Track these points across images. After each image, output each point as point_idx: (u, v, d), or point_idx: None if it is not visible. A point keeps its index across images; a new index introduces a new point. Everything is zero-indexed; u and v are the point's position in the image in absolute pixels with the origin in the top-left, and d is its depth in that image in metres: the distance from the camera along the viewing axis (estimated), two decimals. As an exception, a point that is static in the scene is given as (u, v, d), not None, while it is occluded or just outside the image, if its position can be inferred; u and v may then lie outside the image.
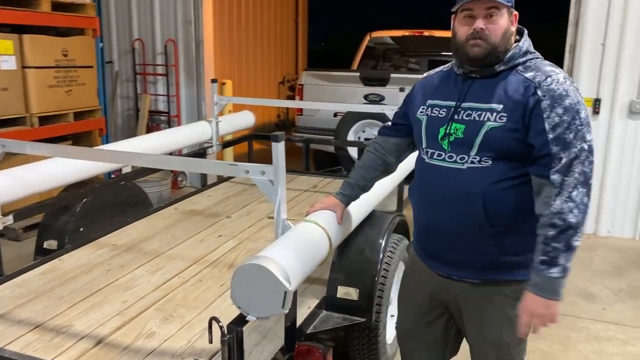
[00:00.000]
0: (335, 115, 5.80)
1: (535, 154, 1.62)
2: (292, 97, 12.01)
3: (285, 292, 1.54)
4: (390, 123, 2.06)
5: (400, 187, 3.38)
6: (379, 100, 5.62)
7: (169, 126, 6.22)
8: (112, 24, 6.34)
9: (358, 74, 5.76)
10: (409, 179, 3.47)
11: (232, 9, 9.01)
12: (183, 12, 6.02)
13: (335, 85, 5.85)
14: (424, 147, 1.81)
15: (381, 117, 5.00)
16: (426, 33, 7.23)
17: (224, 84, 6.26)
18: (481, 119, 1.67)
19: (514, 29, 1.71)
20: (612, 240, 4.90)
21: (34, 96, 4.40)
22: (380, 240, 2.51)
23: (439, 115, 1.77)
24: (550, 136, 1.59)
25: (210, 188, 4.13)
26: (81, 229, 3.01)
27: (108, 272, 2.64)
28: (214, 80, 4.06)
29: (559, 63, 4.76)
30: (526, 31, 1.76)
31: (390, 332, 2.71)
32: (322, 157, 6.13)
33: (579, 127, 1.59)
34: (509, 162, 1.66)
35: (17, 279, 2.55)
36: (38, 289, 2.45)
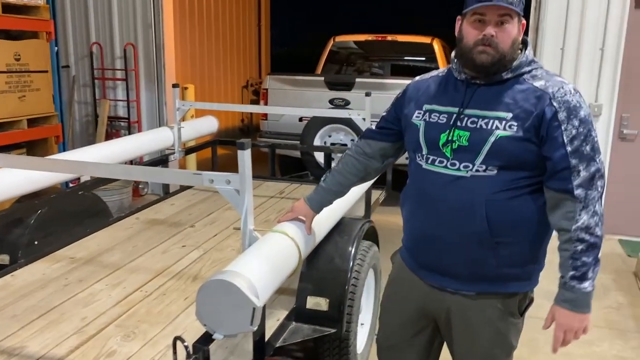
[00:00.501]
0: (300, 119, 5.75)
1: (553, 167, 1.59)
2: (255, 101, 11.91)
3: (254, 309, 1.48)
4: (374, 126, 1.97)
5: (368, 192, 3.35)
6: (344, 104, 5.60)
7: (129, 132, 6.04)
8: (68, 27, 6.12)
9: (323, 78, 5.73)
10: (379, 184, 3.46)
11: (194, 12, 8.87)
12: (143, 16, 5.86)
13: (300, 90, 5.81)
14: (423, 153, 1.73)
15: (347, 121, 4.99)
16: (389, 38, 7.27)
17: (186, 88, 6.13)
18: (489, 127, 1.62)
19: (521, 38, 1.66)
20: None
21: (-16, 102, 4.19)
22: (350, 248, 2.47)
23: (439, 121, 1.70)
24: (569, 149, 1.56)
25: (173, 196, 4.01)
26: (36, 242, 2.86)
27: (65, 288, 2.51)
28: (175, 85, 3.95)
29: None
30: (529, 40, 1.73)
31: (360, 342, 2.67)
32: (288, 162, 6.07)
33: (595, 139, 1.59)
34: (514, 171, 1.62)
35: (-33, 297, 2.40)
36: (-11, 308, 2.31)
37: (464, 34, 1.65)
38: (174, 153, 4.04)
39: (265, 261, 1.69)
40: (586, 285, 1.58)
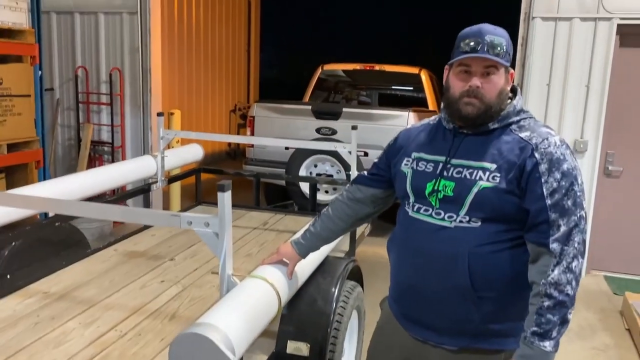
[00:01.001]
0: (287, 148, 5.70)
1: (532, 220, 1.55)
2: (243, 126, 11.90)
3: (229, 364, 1.40)
4: (366, 172, 1.95)
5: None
6: (330, 133, 5.57)
7: (113, 157, 5.96)
8: (54, 50, 6.06)
9: (310, 107, 5.71)
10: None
11: (183, 36, 8.89)
12: (130, 40, 5.83)
13: (287, 118, 5.78)
14: (410, 201, 1.71)
15: (333, 153, 4.96)
16: (377, 67, 7.31)
17: (172, 114, 6.08)
18: (472, 177, 1.60)
19: (509, 87, 1.66)
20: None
21: (-37, 126, 4.09)
22: (333, 289, 2.40)
23: (426, 170, 1.70)
24: (549, 202, 1.52)
25: (154, 226, 3.92)
26: (8, 276, 2.76)
27: (36, 326, 2.41)
28: (159, 114, 3.90)
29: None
30: (519, 89, 1.72)
31: (342, 387, 2.58)
32: (273, 190, 6.01)
33: (577, 194, 1.55)
34: (499, 224, 1.58)
35: None
36: (-48, 349, 2.19)
37: (450, 84, 1.65)
38: (156, 182, 3.96)
39: (242, 311, 1.62)
40: (547, 344, 1.50)
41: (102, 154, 6.02)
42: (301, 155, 5.30)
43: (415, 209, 1.69)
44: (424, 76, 7.10)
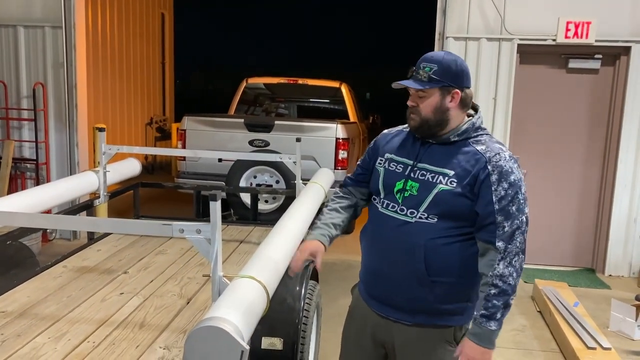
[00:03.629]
0: (220, 160, 5.82)
1: (482, 221, 1.85)
2: (160, 139, 11.73)
3: (242, 352, 1.58)
4: (350, 175, 2.23)
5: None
6: (264, 145, 5.76)
7: (37, 174, 5.76)
8: (-34, 63, 5.79)
9: (242, 120, 5.87)
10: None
11: (105, 50, 8.71)
12: (53, 55, 5.69)
13: (218, 131, 5.89)
14: (381, 197, 2.00)
15: (273, 163, 5.16)
16: (300, 81, 7.61)
17: (98, 129, 5.98)
18: (434, 180, 1.89)
19: (452, 104, 1.89)
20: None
21: None
22: (299, 288, 2.61)
23: (397, 170, 1.98)
24: (496, 207, 1.82)
25: (98, 241, 3.91)
26: (-38, 298, 2.70)
27: (3, 344, 2.40)
28: (101, 129, 3.92)
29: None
30: (480, 108, 2.02)
31: (308, 377, 2.78)
32: (206, 202, 6.08)
33: (521, 201, 1.84)
34: (451, 221, 1.88)
35: None
36: None
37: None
38: (98, 197, 3.96)
39: (240, 306, 1.80)
40: (492, 324, 1.80)
41: (24, 171, 5.80)
42: (241, 167, 5.44)
43: (384, 205, 1.98)
44: (344, 90, 7.50)
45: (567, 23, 5.15)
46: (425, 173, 1.92)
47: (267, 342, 2.43)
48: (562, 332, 3.75)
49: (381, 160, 2.04)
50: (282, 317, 2.48)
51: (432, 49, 5.38)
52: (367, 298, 2.08)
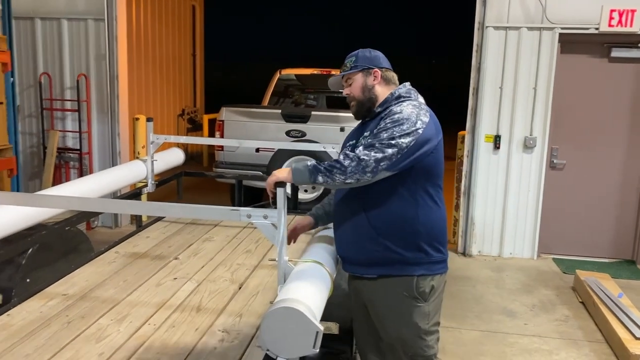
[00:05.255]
0: (257, 150, 5.89)
1: None
2: (191, 130, 11.88)
3: (317, 332, 1.63)
4: None
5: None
6: (300, 135, 5.82)
7: (81, 164, 5.91)
8: (14, 56, 5.93)
9: (280, 110, 5.93)
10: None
11: (140, 42, 8.85)
12: (96, 47, 5.82)
13: (256, 122, 5.97)
14: None
15: (313, 153, 5.21)
16: (334, 72, 7.63)
17: (137, 119, 6.11)
18: (358, 145, 2.15)
19: (375, 82, 2.25)
20: (515, 260, 5.47)
21: (-60, 135, 4.01)
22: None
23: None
24: (374, 132, 2.11)
25: (145, 229, 4.01)
26: (28, 280, 2.82)
27: (69, 324, 2.50)
28: (149, 119, 4.01)
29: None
30: (408, 83, 2.30)
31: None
32: (246, 192, 6.17)
33: (394, 131, 2.03)
34: (387, 178, 2.07)
35: (-34, 340, 2.34)
36: (-4, 349, 2.27)
37: None
38: (146, 185, 4.06)
39: (310, 289, 1.85)
40: (310, 164, 2.06)
41: (68, 160, 5.96)
42: (282, 157, 5.51)
43: None
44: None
45: (611, 11, 5.06)
46: (357, 145, 2.17)
47: (323, 327, 2.47)
48: (608, 322, 3.73)
49: (346, 148, 2.32)
50: (338, 301, 2.52)
51: (471, 40, 5.35)
52: (342, 265, 2.34)
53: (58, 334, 2.41)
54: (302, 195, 5.38)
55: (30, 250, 2.88)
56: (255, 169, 5.79)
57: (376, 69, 2.25)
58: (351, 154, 2.01)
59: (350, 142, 2.31)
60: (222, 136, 5.99)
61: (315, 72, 7.67)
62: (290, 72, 7.95)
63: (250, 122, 5.95)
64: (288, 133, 5.84)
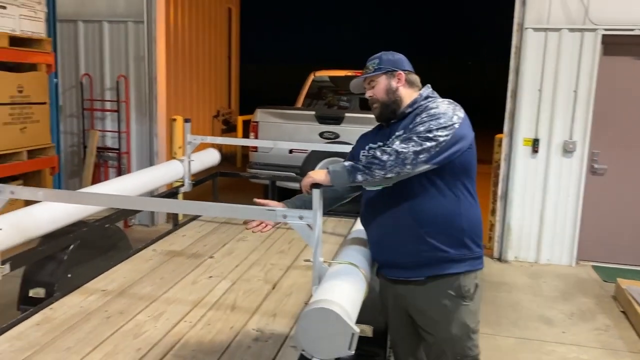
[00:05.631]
0: (290, 152, 5.92)
1: None
2: (226, 131, 12.03)
3: (353, 334, 1.63)
4: None
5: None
6: (334, 137, 5.82)
7: (119, 163, 6.05)
8: (57, 58, 6.12)
9: (314, 112, 5.94)
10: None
11: (177, 45, 9.01)
12: (135, 49, 5.95)
13: (290, 123, 6.00)
14: None
15: (346, 156, 5.20)
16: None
17: (174, 120, 6.21)
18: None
19: (399, 85, 2.24)
20: (552, 267, 5.34)
21: (-12, 134, 4.17)
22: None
23: None
24: (410, 127, 2.10)
25: (181, 227, 4.08)
26: (69, 275, 2.90)
27: (109, 320, 2.56)
28: (187, 120, 4.07)
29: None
30: (429, 85, 2.31)
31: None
32: (278, 193, 6.21)
33: (432, 124, 2.03)
34: (428, 175, 2.07)
35: (11, 331, 2.41)
36: (39, 341, 2.33)
37: None
38: (183, 185, 4.13)
39: (346, 291, 1.85)
40: (348, 165, 2.05)
41: (107, 159, 6.11)
42: (316, 158, 5.52)
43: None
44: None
45: (658, 12, 4.90)
46: (389, 144, 2.13)
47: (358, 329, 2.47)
48: (651, 333, 3.61)
49: (363, 152, 2.31)
50: (372, 304, 2.51)
51: (509, 41, 5.26)
52: (380, 270, 2.31)
53: (98, 328, 2.47)
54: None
55: (72, 246, 2.95)
56: (288, 170, 5.82)
57: (400, 72, 2.25)
58: (388, 149, 2.01)
59: (374, 145, 2.27)
60: (256, 137, 6.05)
61: (349, 73, 7.67)
62: (324, 73, 7.97)
63: (284, 123, 5.99)
64: (321, 135, 5.85)
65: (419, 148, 1.98)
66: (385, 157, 1.98)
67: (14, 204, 2.71)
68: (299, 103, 7.60)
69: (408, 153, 1.97)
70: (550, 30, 5.16)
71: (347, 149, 4.52)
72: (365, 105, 9.01)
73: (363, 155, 2.30)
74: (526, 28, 5.16)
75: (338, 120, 5.83)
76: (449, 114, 2.06)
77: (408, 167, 1.97)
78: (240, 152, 11.09)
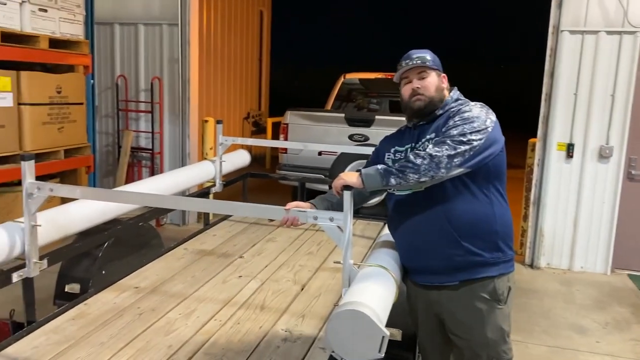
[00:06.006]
0: (320, 154, 5.94)
1: None
2: (256, 133, 12.13)
3: (383, 337, 1.62)
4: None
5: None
6: (363, 140, 5.81)
7: (152, 163, 6.16)
8: (94, 59, 6.27)
9: (343, 114, 5.94)
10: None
11: (210, 47, 9.14)
12: (169, 51, 6.06)
13: (320, 125, 6.01)
14: None
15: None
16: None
17: (206, 121, 6.29)
18: (424, 148, 2.09)
19: (444, 85, 2.23)
20: (586, 275, 5.22)
21: (28, 133, 4.29)
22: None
23: (400, 157, 2.23)
24: (442, 130, 2.08)
25: (212, 227, 4.13)
26: (103, 272, 2.97)
27: (141, 316, 2.61)
28: (219, 122, 4.12)
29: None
30: (456, 87, 2.29)
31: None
32: (307, 194, 6.23)
33: (465, 128, 2.01)
34: (461, 179, 2.06)
35: (48, 325, 2.48)
36: (74, 335, 2.39)
37: (402, 94, 2.26)
38: (214, 185, 4.18)
39: (376, 293, 1.84)
40: (381, 169, 2.04)
41: (141, 159, 6.23)
42: (345, 160, 5.53)
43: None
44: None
45: (702, 14, 4.75)
46: (419, 147, 2.15)
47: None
48: (689, 346, 3.49)
49: (388, 154, 2.29)
50: (402, 308, 2.50)
51: (544, 44, 5.16)
52: (411, 275, 2.26)
53: (130, 324, 2.52)
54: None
55: (107, 243, 3.02)
56: (317, 172, 5.83)
57: (444, 74, 2.26)
58: (422, 152, 1.99)
59: (401, 147, 2.25)
60: (285, 139, 6.08)
61: (379, 76, 7.64)
62: (355, 76, 7.95)
63: (314, 125, 6.00)
64: (351, 137, 5.85)
65: (453, 152, 1.96)
66: (419, 161, 1.97)
67: (50, 202, 2.80)
68: (329, 105, 7.61)
69: (442, 157, 1.96)
70: (587, 33, 5.05)
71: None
72: (395, 108, 9.01)
73: (389, 158, 2.29)
74: (562, 31, 5.06)
75: (368, 123, 5.82)
76: (482, 117, 2.06)
77: (442, 170, 1.96)
78: (269, 154, 11.17)
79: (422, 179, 1.97)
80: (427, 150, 1.99)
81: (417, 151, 2.03)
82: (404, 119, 2.37)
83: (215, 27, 9.54)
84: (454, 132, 2.01)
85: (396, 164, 2.03)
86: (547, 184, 5.29)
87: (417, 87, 2.18)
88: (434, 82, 2.19)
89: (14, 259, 2.47)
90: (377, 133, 5.69)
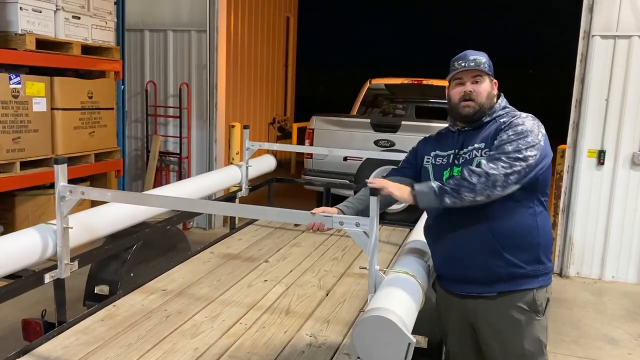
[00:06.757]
0: (345, 159, 5.93)
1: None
2: (281, 138, 12.20)
3: (409, 344, 1.61)
4: (396, 168, 2.46)
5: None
6: (389, 145, 5.79)
7: (180, 167, 6.25)
8: (125, 65, 6.39)
9: (369, 120, 5.94)
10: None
11: (237, 53, 9.24)
12: (197, 57, 6.14)
13: (345, 131, 6.01)
14: None
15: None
16: (425, 82, 7.53)
17: (232, 126, 6.36)
18: (470, 157, 2.08)
19: (495, 92, 2.17)
20: (617, 285, 5.09)
21: (60, 137, 4.40)
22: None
23: (442, 162, 2.18)
24: (496, 143, 2.02)
25: (238, 231, 4.16)
26: (131, 274, 3.01)
27: (168, 319, 2.64)
28: (246, 127, 4.16)
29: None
30: (502, 94, 2.22)
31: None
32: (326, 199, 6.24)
33: (520, 144, 1.96)
34: None
35: (78, 325, 2.54)
36: (103, 336, 2.44)
37: (450, 95, 2.17)
38: (240, 190, 4.22)
39: (402, 300, 1.83)
40: (435, 185, 2.00)
41: (169, 164, 6.32)
42: (371, 165, 5.52)
43: None
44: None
45: None
46: (464, 155, 2.10)
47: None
48: None
49: (428, 158, 2.23)
50: (427, 315, 2.47)
51: (575, 50, 5.08)
52: (446, 284, 2.22)
53: (157, 327, 2.56)
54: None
55: (135, 246, 3.07)
56: (342, 177, 5.83)
57: (495, 80, 2.18)
58: (477, 170, 1.93)
59: (443, 152, 2.19)
60: (311, 144, 6.09)
61: (405, 81, 7.61)
62: (380, 81, 7.94)
63: (340, 131, 6.01)
64: (377, 142, 5.83)
65: (509, 170, 1.92)
66: (474, 179, 1.92)
67: (81, 205, 2.86)
68: (354, 110, 7.61)
69: (498, 175, 1.91)
70: (619, 38, 4.95)
71: (403, 157, 4.52)
72: (421, 113, 8.96)
73: (428, 162, 2.23)
74: (593, 35, 4.97)
75: (394, 129, 5.79)
76: (535, 131, 2.00)
77: (498, 189, 1.92)
78: (295, 159, 11.21)
79: (478, 198, 1.93)
80: (482, 167, 1.93)
81: (472, 168, 1.97)
82: (430, 124, 2.36)
83: (242, 33, 9.64)
84: (509, 147, 1.96)
85: (450, 182, 1.98)
86: (577, 191, 5.19)
87: (470, 91, 2.09)
88: (487, 89, 2.12)
89: (46, 260, 2.53)
90: (403, 139, 5.66)
